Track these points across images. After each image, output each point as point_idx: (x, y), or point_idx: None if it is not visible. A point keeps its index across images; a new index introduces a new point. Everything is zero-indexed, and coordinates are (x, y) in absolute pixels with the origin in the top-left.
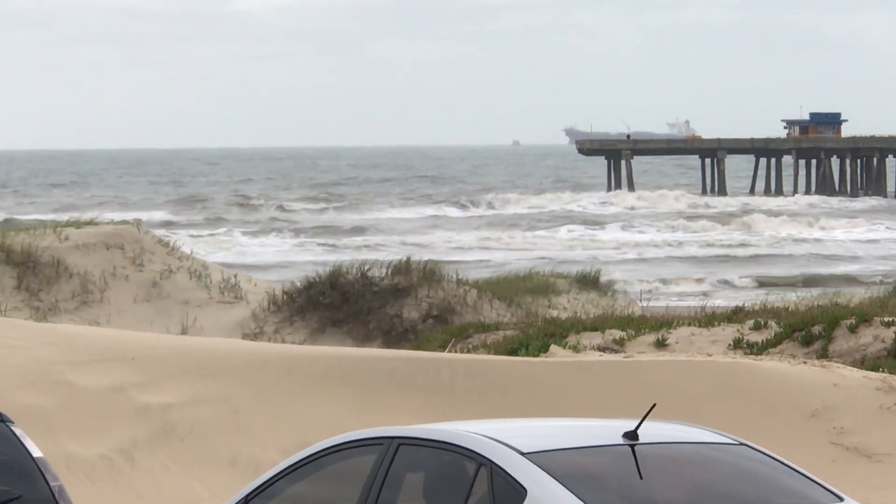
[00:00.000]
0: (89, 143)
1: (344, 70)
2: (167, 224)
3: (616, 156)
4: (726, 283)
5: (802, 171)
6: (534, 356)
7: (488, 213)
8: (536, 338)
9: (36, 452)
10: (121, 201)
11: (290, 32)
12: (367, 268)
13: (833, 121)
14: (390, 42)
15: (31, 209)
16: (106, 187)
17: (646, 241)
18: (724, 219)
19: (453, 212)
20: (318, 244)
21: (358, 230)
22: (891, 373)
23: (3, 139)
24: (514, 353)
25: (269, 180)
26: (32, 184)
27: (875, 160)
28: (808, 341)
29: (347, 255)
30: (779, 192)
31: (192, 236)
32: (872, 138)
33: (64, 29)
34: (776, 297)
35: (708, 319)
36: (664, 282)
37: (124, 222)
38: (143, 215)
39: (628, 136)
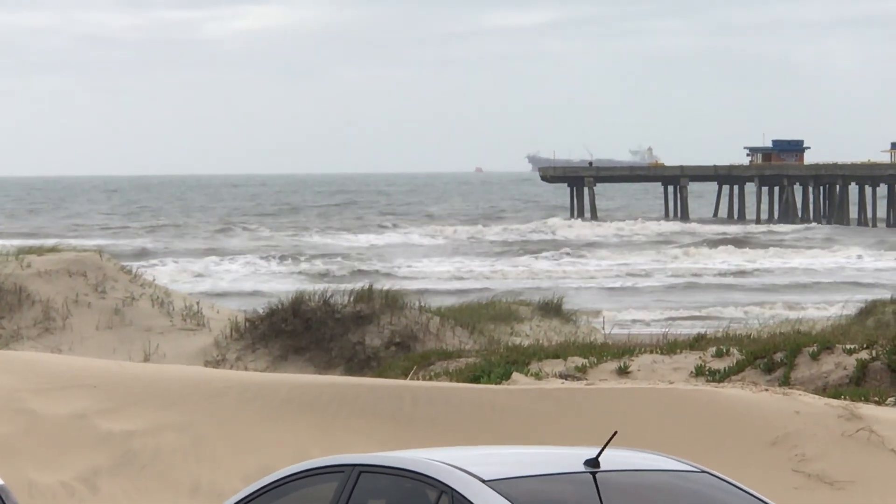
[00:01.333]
0: (59, 169)
1: (308, 97)
2: (143, 253)
3: (579, 183)
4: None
5: (765, 198)
6: (496, 383)
7: (456, 239)
8: (498, 365)
9: None
10: (93, 229)
11: (256, 60)
12: (329, 295)
13: (795, 148)
14: (354, 69)
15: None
16: (78, 214)
17: (607, 268)
18: (691, 246)
19: (419, 238)
20: (293, 271)
21: (330, 256)
22: (853, 400)
23: None
24: (476, 380)
25: (245, 206)
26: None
27: (837, 187)
28: (769, 368)
29: (313, 280)
30: (741, 218)
31: (169, 263)
32: (835, 165)
33: (32, 56)
34: (739, 325)
35: (670, 347)
36: (624, 309)
37: (87, 250)
38: (121, 243)
39: (591, 164)
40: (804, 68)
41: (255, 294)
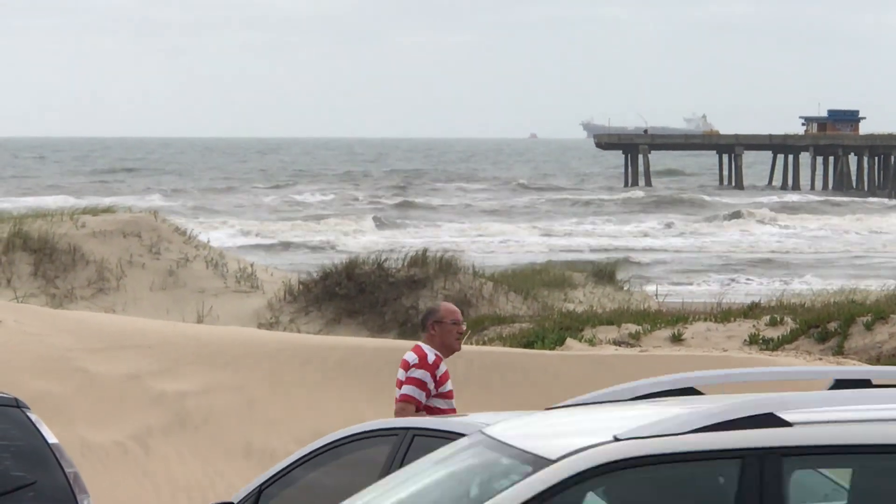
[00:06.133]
0: (109, 130)
1: (363, 60)
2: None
3: (633, 150)
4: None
5: (820, 168)
6: (549, 349)
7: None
8: (552, 331)
9: (51, 439)
10: (184, 191)
11: (314, 22)
12: (383, 259)
13: (851, 118)
14: (410, 33)
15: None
16: (161, 174)
17: (664, 237)
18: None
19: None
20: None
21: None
22: None
23: (26, 126)
24: (529, 345)
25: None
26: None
27: (893, 158)
28: (823, 338)
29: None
30: (796, 188)
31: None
32: (890, 136)
33: (93, 16)
34: (792, 294)
35: (724, 315)
36: (680, 277)
37: (143, 210)
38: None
39: (646, 131)
40: (862, 38)
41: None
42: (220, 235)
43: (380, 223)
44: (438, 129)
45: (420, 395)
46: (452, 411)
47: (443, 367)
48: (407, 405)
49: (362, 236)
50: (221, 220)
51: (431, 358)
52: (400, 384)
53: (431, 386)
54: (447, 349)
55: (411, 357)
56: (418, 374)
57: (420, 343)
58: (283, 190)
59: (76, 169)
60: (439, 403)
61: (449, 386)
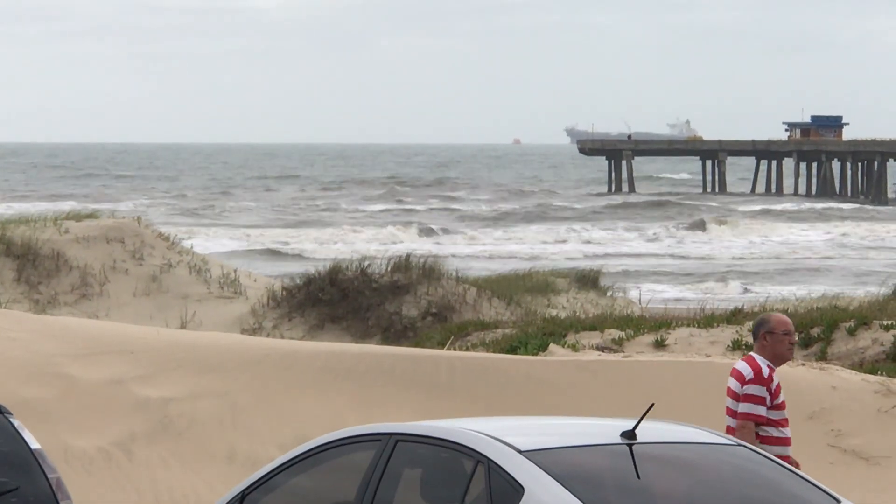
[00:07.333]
0: (99, 136)
1: (346, 66)
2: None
3: (617, 156)
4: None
5: (803, 174)
6: (533, 355)
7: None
8: (535, 336)
9: (34, 444)
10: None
11: (297, 28)
12: (366, 264)
13: (834, 124)
14: (394, 39)
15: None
16: (159, 179)
17: (647, 242)
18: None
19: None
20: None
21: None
22: (889, 376)
23: (14, 132)
24: (512, 351)
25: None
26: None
27: (876, 164)
28: (806, 343)
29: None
30: (779, 194)
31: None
32: (873, 142)
33: (75, 22)
34: (775, 299)
35: (707, 320)
36: (662, 281)
37: (126, 216)
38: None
39: (629, 137)
40: (846, 45)
41: None
42: (212, 241)
43: (423, 231)
44: (422, 133)
45: (759, 411)
46: (785, 422)
47: (776, 380)
48: (747, 423)
49: (400, 244)
50: (213, 226)
51: (766, 371)
52: (732, 395)
53: (768, 399)
54: (779, 359)
55: (745, 370)
56: (754, 389)
57: (752, 354)
58: (322, 193)
59: (68, 174)
60: (772, 415)
61: (781, 397)
